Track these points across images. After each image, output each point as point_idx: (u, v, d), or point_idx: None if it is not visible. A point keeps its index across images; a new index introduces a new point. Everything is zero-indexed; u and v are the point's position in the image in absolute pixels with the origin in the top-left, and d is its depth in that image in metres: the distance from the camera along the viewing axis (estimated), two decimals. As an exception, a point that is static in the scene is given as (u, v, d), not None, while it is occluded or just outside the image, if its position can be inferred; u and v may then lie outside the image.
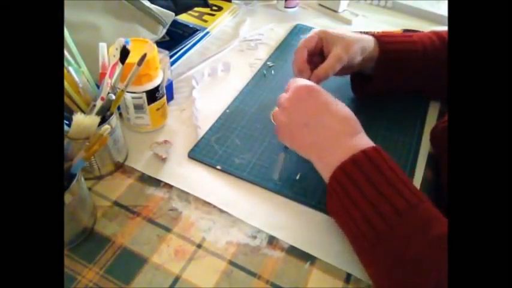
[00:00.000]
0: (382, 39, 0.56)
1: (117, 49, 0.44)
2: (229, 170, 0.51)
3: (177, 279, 0.41)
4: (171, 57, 0.64)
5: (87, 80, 0.46)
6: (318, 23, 0.82)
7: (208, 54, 0.71)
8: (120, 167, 0.51)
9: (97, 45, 0.46)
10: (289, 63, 0.58)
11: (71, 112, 0.42)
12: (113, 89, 0.45)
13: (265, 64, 0.69)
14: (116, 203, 0.47)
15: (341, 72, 0.55)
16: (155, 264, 0.42)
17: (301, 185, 0.50)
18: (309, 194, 0.49)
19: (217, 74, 0.68)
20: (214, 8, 0.81)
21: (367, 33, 0.58)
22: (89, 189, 0.48)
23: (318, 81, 0.53)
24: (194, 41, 0.72)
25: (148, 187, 0.49)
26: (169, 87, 0.60)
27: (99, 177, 0.50)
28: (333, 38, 0.54)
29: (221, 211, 0.47)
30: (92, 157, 0.45)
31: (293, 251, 0.44)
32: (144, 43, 0.50)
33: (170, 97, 0.61)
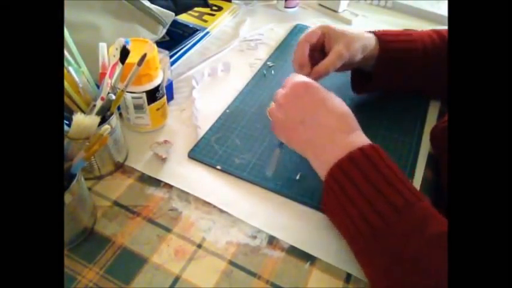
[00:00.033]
0: (383, 37, 0.56)
1: (117, 49, 0.44)
2: (229, 170, 0.51)
3: (177, 279, 0.41)
4: (171, 57, 0.64)
5: (87, 80, 0.46)
6: (318, 23, 0.82)
7: (208, 54, 0.71)
8: (120, 167, 0.51)
9: (97, 45, 0.46)
10: (289, 63, 0.57)
11: (71, 112, 0.42)
12: (113, 89, 0.45)
13: (265, 64, 0.69)
14: (116, 203, 0.47)
15: (341, 68, 0.55)
16: (155, 264, 0.42)
17: (301, 185, 0.50)
18: (309, 194, 0.49)
19: (217, 74, 0.68)
20: (214, 8, 0.81)
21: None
22: (89, 189, 0.48)
23: (318, 77, 0.53)
24: (194, 41, 0.72)
25: (148, 187, 0.49)
26: (169, 87, 0.60)
27: (99, 177, 0.50)
28: (336, 34, 0.54)
29: (221, 211, 0.47)
30: (92, 157, 0.45)
31: (293, 251, 0.44)
32: (144, 43, 0.50)
33: (170, 97, 0.61)
